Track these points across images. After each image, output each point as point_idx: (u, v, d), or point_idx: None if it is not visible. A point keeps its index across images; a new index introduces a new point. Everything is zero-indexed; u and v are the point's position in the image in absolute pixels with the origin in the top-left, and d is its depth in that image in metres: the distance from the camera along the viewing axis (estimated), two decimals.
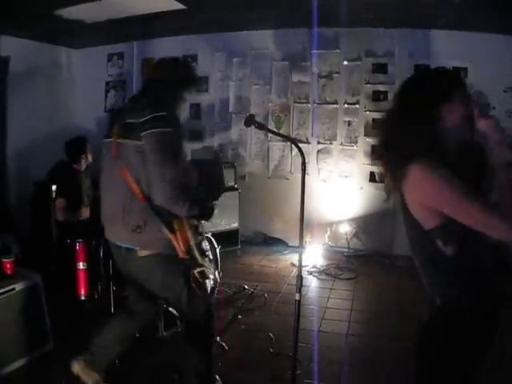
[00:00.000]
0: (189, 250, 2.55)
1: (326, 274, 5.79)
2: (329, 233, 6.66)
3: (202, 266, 2.62)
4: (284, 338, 3.98)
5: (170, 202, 2.42)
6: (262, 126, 2.63)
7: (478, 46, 5.98)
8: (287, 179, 6.96)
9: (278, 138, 6.85)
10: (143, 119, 2.44)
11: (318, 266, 6.02)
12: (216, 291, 4.60)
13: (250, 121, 2.50)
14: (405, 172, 1.75)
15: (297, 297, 2.64)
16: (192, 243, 2.56)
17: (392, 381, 3.42)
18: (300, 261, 2.67)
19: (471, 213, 1.64)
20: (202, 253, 2.66)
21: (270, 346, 3.85)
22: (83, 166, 4.95)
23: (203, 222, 2.78)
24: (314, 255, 6.34)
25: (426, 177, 1.71)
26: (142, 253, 2.56)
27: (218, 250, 4.71)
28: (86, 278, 4.08)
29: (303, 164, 2.47)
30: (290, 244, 6.84)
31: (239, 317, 4.42)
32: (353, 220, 6.63)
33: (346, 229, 6.60)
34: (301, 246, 2.68)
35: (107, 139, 2.64)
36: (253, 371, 3.51)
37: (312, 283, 5.51)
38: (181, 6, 5.33)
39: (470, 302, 1.76)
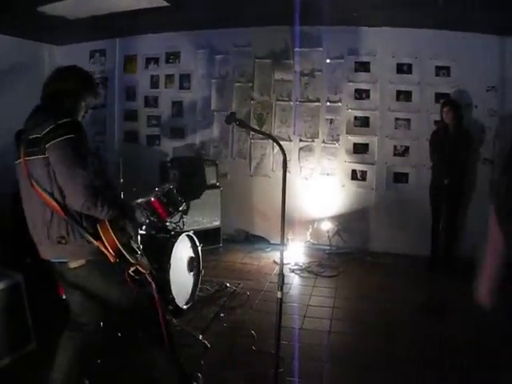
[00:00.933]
0: (118, 253, 2.51)
1: (308, 271, 5.80)
2: (311, 230, 6.68)
3: (133, 264, 2.60)
4: (266, 335, 3.97)
5: (85, 205, 2.39)
6: (243, 124, 2.62)
7: (460, 45, 6.06)
8: (269, 177, 6.96)
9: (260, 135, 6.84)
10: (46, 131, 2.40)
11: (300, 264, 6.02)
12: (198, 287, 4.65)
13: (231, 118, 2.50)
14: None
15: (278, 295, 2.64)
16: (119, 245, 2.50)
17: (374, 378, 3.45)
18: (282, 259, 2.68)
19: None
20: (132, 251, 2.61)
21: (253, 343, 3.83)
22: None
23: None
24: (296, 253, 6.36)
25: None
26: (73, 264, 2.52)
27: (199, 248, 4.70)
28: None
29: (284, 162, 2.51)
30: (272, 242, 6.85)
31: (221, 315, 4.40)
32: (334, 218, 6.65)
33: (327, 226, 6.62)
34: (282, 244, 2.72)
35: (17, 161, 2.56)
36: (236, 369, 3.49)
37: (294, 281, 5.52)
38: (164, 3, 5.29)
39: None
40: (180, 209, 4.66)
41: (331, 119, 6.68)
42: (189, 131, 7.21)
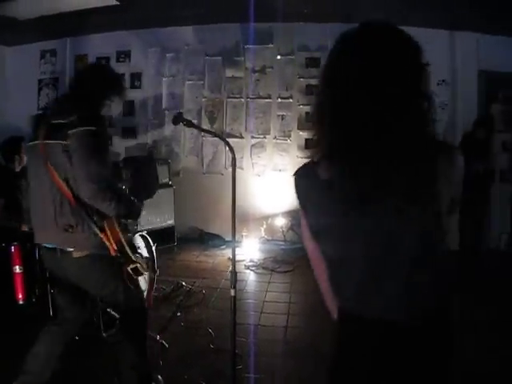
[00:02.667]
0: (120, 248, 2.57)
1: (263, 267, 5.84)
2: (265, 226, 6.72)
3: (134, 262, 2.66)
4: (224, 333, 3.96)
5: (96, 199, 2.44)
6: (190, 124, 2.66)
7: None
8: (222, 174, 6.97)
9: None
10: (71, 119, 2.45)
11: (255, 260, 6.07)
12: (154, 287, 4.61)
13: (178, 119, 2.53)
14: None
15: (232, 293, 2.69)
16: (123, 241, 2.57)
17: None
18: (233, 257, 2.75)
19: None
20: (134, 250, 2.69)
21: (211, 341, 3.83)
22: (17, 167, 4.75)
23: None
24: (250, 249, 6.39)
25: None
26: (77, 254, 2.53)
27: (154, 248, 4.66)
28: (23, 281, 3.95)
29: (233, 160, 2.58)
30: (226, 239, 6.85)
31: (178, 314, 4.38)
32: (288, 213, 6.70)
33: (281, 222, 6.68)
34: (233, 241, 2.82)
35: (33, 142, 2.62)
36: (195, 368, 3.49)
37: (249, 277, 5.55)
38: (114, 2, 5.23)
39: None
40: None
41: (282, 115, 6.74)
42: (140, 130, 7.15)
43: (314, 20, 6.36)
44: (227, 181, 6.65)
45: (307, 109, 6.64)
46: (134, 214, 2.76)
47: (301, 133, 6.68)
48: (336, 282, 1.54)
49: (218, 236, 6.94)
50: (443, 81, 6.33)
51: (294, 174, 1.51)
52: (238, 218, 6.86)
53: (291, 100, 6.70)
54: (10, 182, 4.63)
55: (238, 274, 5.60)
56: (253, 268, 5.84)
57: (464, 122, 6.19)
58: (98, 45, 7.08)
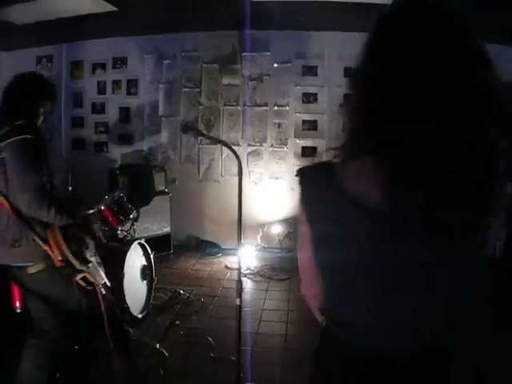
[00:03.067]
0: (65, 258, 2.53)
1: (261, 275, 5.83)
2: (261, 234, 6.70)
3: (81, 271, 2.61)
4: (223, 341, 3.98)
5: (34, 209, 2.40)
6: (200, 133, 2.67)
7: None
8: (218, 182, 6.95)
9: (209, 141, 6.83)
10: (3, 131, 2.45)
11: (252, 268, 6.05)
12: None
13: (187, 128, 2.52)
14: None
15: (237, 302, 2.67)
16: (66, 250, 2.52)
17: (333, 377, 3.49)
18: (239, 265, 2.71)
19: None
20: (82, 259, 2.61)
21: (210, 350, 3.82)
22: None
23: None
24: (247, 257, 6.37)
25: None
26: (32, 269, 2.54)
27: (152, 256, 4.64)
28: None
29: (239, 167, 2.55)
30: (222, 247, 6.83)
31: (177, 322, 4.36)
32: (285, 221, 6.69)
33: (278, 230, 6.66)
34: (237, 249, 2.81)
35: None
36: (195, 377, 3.48)
37: (247, 285, 5.54)
38: (111, 8, 5.21)
39: None
40: (131, 216, 4.58)
41: (279, 123, 6.74)
42: (137, 137, 7.09)
43: (310, 28, 6.37)
44: (223, 188, 6.77)
45: (304, 117, 6.67)
46: (89, 225, 2.79)
47: (297, 141, 6.68)
48: (334, 300, 1.33)
49: (214, 244, 6.92)
50: None
51: (302, 176, 1.27)
52: (234, 226, 6.82)
53: (288, 108, 6.70)
54: None
55: (234, 282, 5.62)
56: (250, 276, 5.82)
57: None
58: (95, 51, 7.03)
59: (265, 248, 6.67)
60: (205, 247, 6.86)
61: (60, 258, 2.50)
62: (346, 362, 1.29)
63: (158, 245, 5.98)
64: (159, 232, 6.42)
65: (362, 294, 1.20)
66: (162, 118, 6.99)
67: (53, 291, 2.66)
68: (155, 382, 3.18)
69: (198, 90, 6.87)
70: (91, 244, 2.73)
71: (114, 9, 5.30)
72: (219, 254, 6.67)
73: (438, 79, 1.03)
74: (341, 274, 1.24)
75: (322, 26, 6.28)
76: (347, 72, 6.50)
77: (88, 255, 2.66)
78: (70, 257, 2.54)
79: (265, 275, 5.81)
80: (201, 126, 6.83)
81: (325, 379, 1.41)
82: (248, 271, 5.96)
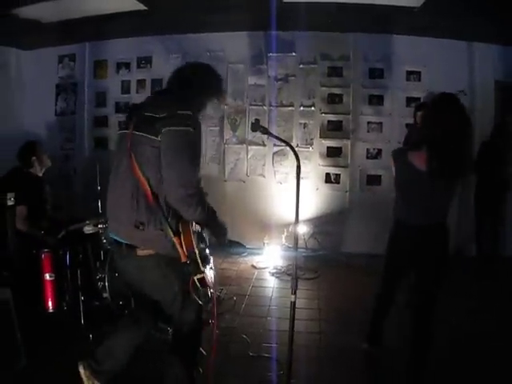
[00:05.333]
0: (191, 255, 2.43)
1: (288, 274, 5.83)
2: (286, 234, 6.71)
3: (202, 272, 2.50)
4: (259, 340, 4.01)
5: (183, 203, 2.35)
6: (266, 131, 2.65)
7: (431, 50, 6.27)
8: (243, 182, 6.99)
9: (234, 140, 6.90)
10: (165, 114, 2.36)
11: (279, 267, 6.07)
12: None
13: (256, 126, 2.52)
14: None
15: (292, 298, 2.70)
16: (195, 248, 2.44)
17: (367, 376, 3.57)
18: (295, 264, 2.73)
19: None
20: (204, 260, 2.54)
21: (247, 348, 3.84)
22: (39, 171, 4.70)
23: None
24: (273, 257, 6.40)
25: None
26: (142, 252, 2.47)
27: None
28: (54, 289, 3.92)
29: (298, 168, 2.57)
30: (248, 246, 6.86)
31: (211, 321, 4.38)
32: (310, 221, 6.72)
33: (303, 230, 6.67)
34: (296, 249, 2.83)
35: (123, 131, 2.55)
36: (236, 375, 3.49)
37: (275, 284, 5.56)
38: (141, 7, 5.25)
39: None
40: None
41: (305, 123, 6.77)
42: None
43: (336, 29, 6.41)
44: (249, 188, 6.79)
45: (329, 117, 6.71)
46: (222, 234, 2.73)
47: (323, 141, 6.71)
48: (400, 203, 3.28)
49: (238, 243, 6.94)
50: (461, 91, 6.38)
51: (394, 153, 3.28)
52: (259, 225, 6.92)
53: (313, 108, 6.73)
54: (33, 188, 4.58)
55: (262, 281, 5.67)
56: (278, 275, 5.85)
57: (482, 131, 6.22)
58: (119, 50, 7.09)
59: (289, 247, 6.68)
60: (229, 247, 6.88)
61: (186, 254, 2.42)
62: (400, 227, 3.32)
63: None
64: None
65: (412, 200, 3.15)
66: None
67: (153, 279, 2.58)
68: (196, 381, 3.19)
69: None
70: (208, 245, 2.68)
71: (144, 8, 5.33)
72: (244, 254, 6.70)
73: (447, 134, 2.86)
74: (404, 194, 3.22)
75: (347, 28, 6.32)
76: (372, 73, 6.53)
77: (209, 256, 2.65)
78: (198, 256, 2.46)
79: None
80: (227, 126, 6.90)
81: (391, 237, 3.46)
82: (275, 270, 5.98)
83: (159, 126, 2.34)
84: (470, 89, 6.46)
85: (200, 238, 2.55)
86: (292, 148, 2.59)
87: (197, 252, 2.45)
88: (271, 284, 5.55)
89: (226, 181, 7.04)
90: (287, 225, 6.72)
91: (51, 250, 3.94)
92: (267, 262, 6.30)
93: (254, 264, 6.25)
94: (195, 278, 2.50)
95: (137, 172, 2.40)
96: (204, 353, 3.70)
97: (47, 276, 3.91)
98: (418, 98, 6.33)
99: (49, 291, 3.92)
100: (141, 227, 2.41)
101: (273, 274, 5.88)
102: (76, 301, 3.94)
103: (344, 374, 3.56)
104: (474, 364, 3.65)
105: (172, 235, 2.40)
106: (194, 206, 2.36)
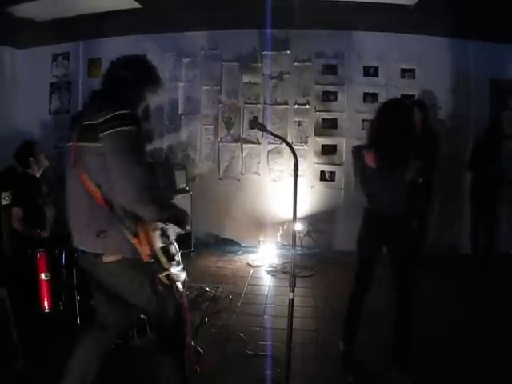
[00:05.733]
0: (154, 254, 2.40)
1: (284, 272, 5.85)
2: (281, 232, 6.71)
3: (167, 269, 2.45)
4: (256, 338, 4.02)
5: (135, 203, 2.29)
6: (264, 129, 2.64)
7: (425, 48, 6.29)
8: (238, 180, 6.99)
9: (229, 138, 6.90)
10: (103, 119, 2.27)
11: (275, 266, 6.08)
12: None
13: (254, 123, 2.51)
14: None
15: (290, 296, 2.68)
16: (157, 246, 2.40)
17: (369, 374, 3.55)
18: (293, 262, 2.72)
19: None
20: (169, 256, 2.47)
21: (244, 347, 3.84)
22: (36, 171, 4.67)
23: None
24: (268, 255, 6.41)
25: None
26: (107, 259, 2.44)
27: (179, 254, 4.65)
28: (50, 289, 3.91)
29: (296, 165, 2.53)
30: (242, 244, 6.87)
31: (208, 320, 4.38)
32: (305, 218, 6.72)
33: (298, 227, 6.68)
34: (293, 247, 2.86)
35: (68, 143, 2.48)
36: (233, 374, 3.49)
37: (271, 282, 5.56)
38: (136, 5, 5.23)
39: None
40: None
41: (299, 121, 6.77)
42: (156, 135, 7.11)
43: (330, 27, 6.41)
44: (243, 186, 6.80)
45: (324, 115, 6.71)
46: (182, 222, 2.59)
47: (317, 139, 6.71)
48: (368, 194, 3.49)
49: (233, 241, 6.96)
50: (456, 89, 6.43)
51: (353, 148, 3.58)
52: (254, 224, 6.92)
53: (308, 106, 6.74)
54: (30, 188, 4.55)
55: (258, 280, 5.67)
56: (273, 273, 5.85)
57: (476, 128, 6.27)
58: (113, 48, 6.95)
59: (284, 245, 6.68)
60: (224, 245, 6.89)
61: (149, 253, 2.37)
62: (368, 217, 3.53)
63: (178, 243, 5.99)
64: (180, 230, 6.40)
65: (376, 191, 3.39)
66: (182, 116, 7.03)
67: (125, 283, 2.54)
68: (193, 379, 3.18)
69: (218, 88, 6.90)
70: (175, 241, 2.61)
71: (139, 6, 5.31)
72: (239, 252, 6.71)
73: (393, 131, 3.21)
74: (362, 187, 3.52)
75: (342, 26, 6.32)
76: (367, 71, 6.55)
77: (175, 251, 2.55)
78: (159, 253, 2.41)
79: (288, 272, 5.82)
80: (221, 124, 6.90)
81: (362, 226, 3.61)
82: (271, 268, 5.99)
83: (99, 131, 2.28)
84: (464, 86, 6.49)
85: (163, 235, 2.48)
86: (289, 145, 2.57)
87: (159, 250, 2.42)
88: (267, 282, 5.55)
89: (220, 179, 7.03)
90: (282, 223, 6.73)
91: (47, 250, 3.92)
92: (262, 260, 6.30)
93: (250, 262, 6.26)
94: (161, 276, 2.47)
95: (86, 182, 2.37)
96: (201, 351, 3.72)
97: (43, 276, 3.90)
98: (413, 96, 6.34)
99: (44, 291, 3.91)
100: (102, 235, 2.40)
101: (268, 272, 5.88)
102: (72, 300, 3.92)
103: (341, 371, 3.57)
104: (469, 360, 3.67)
105: (131, 237, 2.38)
106: (149, 206, 2.32)
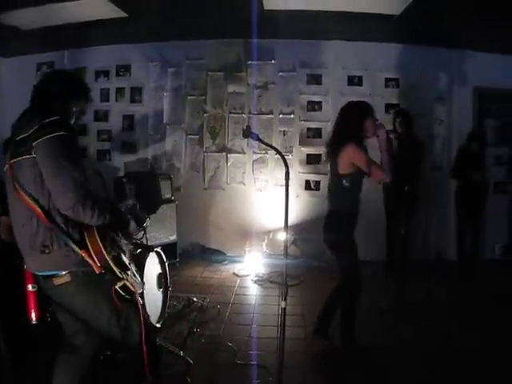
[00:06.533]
0: (105, 264, 2.30)
1: (270, 281, 5.84)
2: (266, 241, 6.71)
3: (122, 279, 2.37)
4: (246, 347, 4.00)
5: (77, 208, 2.19)
6: (257, 138, 2.63)
7: (409, 57, 6.37)
8: (223, 190, 6.98)
9: (213, 148, 6.89)
10: (33, 129, 2.24)
11: (261, 275, 6.07)
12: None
13: (247, 132, 2.51)
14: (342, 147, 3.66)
15: (282, 304, 2.67)
16: (106, 256, 2.29)
17: (355, 378, 3.58)
18: (285, 271, 2.71)
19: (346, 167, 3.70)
20: (122, 265, 2.39)
21: (234, 356, 3.82)
22: None
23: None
24: (254, 264, 6.39)
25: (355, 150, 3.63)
26: (58, 281, 2.34)
27: (167, 264, 4.62)
28: (37, 300, 3.84)
29: (287, 174, 2.54)
30: (228, 254, 6.85)
31: (197, 330, 4.34)
32: (290, 227, 6.67)
33: (283, 236, 6.65)
34: (285, 257, 2.80)
35: (4, 168, 2.40)
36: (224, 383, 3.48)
37: (258, 292, 5.55)
38: (122, 14, 5.22)
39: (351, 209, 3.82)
40: (144, 225, 4.56)
41: (284, 131, 6.80)
42: (140, 145, 7.08)
43: (315, 37, 6.47)
44: (229, 196, 6.79)
45: (309, 124, 6.75)
46: (122, 223, 2.54)
47: (302, 148, 6.75)
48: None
49: (219, 251, 6.93)
50: (440, 97, 6.52)
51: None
52: (240, 233, 6.91)
53: (293, 116, 6.77)
54: None
55: (245, 289, 5.65)
56: (260, 282, 5.84)
57: (460, 135, 6.36)
58: (97, 58, 7.00)
59: (270, 255, 6.68)
60: (210, 255, 6.86)
61: (100, 265, 2.27)
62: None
63: (164, 253, 5.96)
64: (165, 240, 6.37)
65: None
66: (167, 126, 7.00)
67: (80, 305, 2.43)
68: None
69: (203, 97, 6.91)
70: (127, 248, 2.54)
71: (125, 15, 5.30)
72: (225, 262, 6.68)
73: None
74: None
75: (327, 35, 6.39)
76: (351, 80, 6.61)
77: (127, 261, 2.48)
78: (110, 263, 2.31)
79: (275, 281, 5.83)
80: (206, 134, 6.89)
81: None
82: (257, 278, 5.97)
83: (31, 142, 2.24)
84: (448, 95, 6.60)
85: (112, 243, 2.39)
86: (281, 154, 2.60)
87: (109, 259, 2.31)
88: (254, 292, 5.54)
89: (206, 189, 7.02)
90: (267, 232, 6.74)
91: None
92: (249, 269, 6.29)
93: (236, 272, 6.24)
94: (117, 287, 2.38)
95: (24, 198, 2.28)
96: (191, 362, 3.69)
97: (30, 287, 3.81)
98: (397, 105, 6.42)
99: (31, 302, 3.83)
100: (46, 250, 2.30)
101: (255, 282, 5.87)
102: None
103: (330, 380, 3.57)
104: (455, 364, 3.72)
105: (78, 249, 2.27)
106: (89, 209, 2.22)
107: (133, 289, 2.45)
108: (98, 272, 2.29)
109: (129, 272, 2.46)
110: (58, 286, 2.36)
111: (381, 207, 6.17)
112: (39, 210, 2.26)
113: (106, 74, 7.06)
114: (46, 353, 3.54)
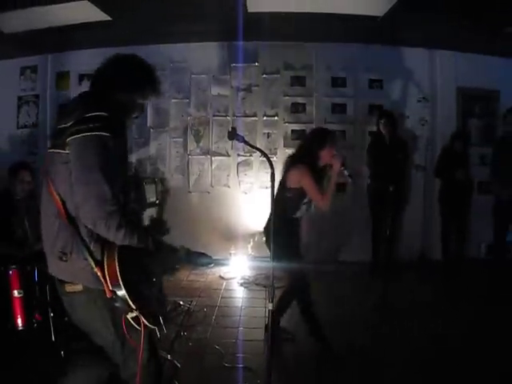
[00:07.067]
0: (117, 289, 1.97)
1: (257, 284, 5.84)
2: (252, 244, 6.70)
3: (134, 310, 1.99)
4: (233, 350, 3.99)
5: (100, 224, 1.90)
6: (243, 140, 2.60)
7: (392, 58, 6.41)
8: (208, 192, 6.96)
9: (198, 151, 6.87)
10: (72, 122, 1.95)
11: (247, 277, 6.06)
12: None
13: (232, 134, 2.49)
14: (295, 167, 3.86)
15: (269, 306, 2.65)
16: (120, 281, 1.95)
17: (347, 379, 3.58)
18: (272, 273, 2.69)
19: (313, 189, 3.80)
20: (136, 293, 2.02)
21: (222, 359, 3.80)
22: (20, 193, 4.48)
23: None
24: (240, 267, 6.38)
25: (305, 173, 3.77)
26: (70, 288, 2.08)
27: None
28: (23, 306, 3.81)
29: (272, 175, 2.51)
30: (214, 257, 6.79)
31: (184, 333, 4.32)
32: None
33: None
34: (271, 259, 2.79)
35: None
36: None
37: (245, 294, 5.55)
38: (106, 17, 5.19)
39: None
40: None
41: (268, 133, 6.82)
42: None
43: (298, 39, 6.50)
44: (213, 199, 6.76)
45: (293, 126, 6.76)
46: (164, 259, 2.36)
47: (287, 150, 6.71)
48: None
49: (204, 254, 6.88)
50: (423, 98, 6.57)
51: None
52: (225, 236, 6.89)
53: (277, 118, 6.78)
54: (7, 207, 4.43)
55: (231, 292, 5.64)
56: (246, 285, 5.84)
57: (443, 136, 6.41)
58: (81, 62, 6.88)
59: (256, 257, 6.66)
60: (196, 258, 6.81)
61: (111, 289, 1.96)
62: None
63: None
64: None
65: None
66: (151, 130, 6.96)
67: (86, 320, 2.17)
68: None
69: (187, 100, 6.88)
70: (152, 275, 2.24)
71: (109, 18, 5.27)
72: (211, 265, 6.64)
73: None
74: None
75: (310, 37, 6.39)
76: (335, 82, 6.64)
77: (146, 290, 2.14)
78: (124, 290, 1.96)
79: (261, 283, 5.83)
80: (190, 137, 6.87)
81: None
82: (243, 280, 5.97)
83: (66, 136, 1.96)
84: (431, 95, 6.66)
85: (133, 268, 2.05)
86: (267, 156, 2.55)
87: (122, 285, 1.96)
88: (240, 294, 5.54)
89: (190, 192, 6.99)
90: (253, 235, 6.71)
91: (19, 267, 3.82)
92: (235, 272, 6.27)
93: (222, 275, 6.23)
94: (128, 316, 2.04)
95: (54, 195, 2.04)
96: (178, 365, 3.67)
97: (15, 293, 3.80)
98: (381, 106, 6.46)
99: (17, 308, 3.81)
100: (64, 258, 2.04)
101: (241, 285, 5.87)
102: (46, 317, 3.83)
103: (318, 381, 3.57)
104: (442, 362, 3.74)
105: (93, 265, 1.99)
106: (115, 227, 1.91)
107: (145, 322, 2.05)
108: (108, 296, 1.97)
109: (144, 301, 2.08)
110: (68, 293, 2.11)
111: (366, 208, 6.20)
112: (65, 212, 2.01)
113: (90, 77, 6.94)
114: (32, 359, 3.56)
